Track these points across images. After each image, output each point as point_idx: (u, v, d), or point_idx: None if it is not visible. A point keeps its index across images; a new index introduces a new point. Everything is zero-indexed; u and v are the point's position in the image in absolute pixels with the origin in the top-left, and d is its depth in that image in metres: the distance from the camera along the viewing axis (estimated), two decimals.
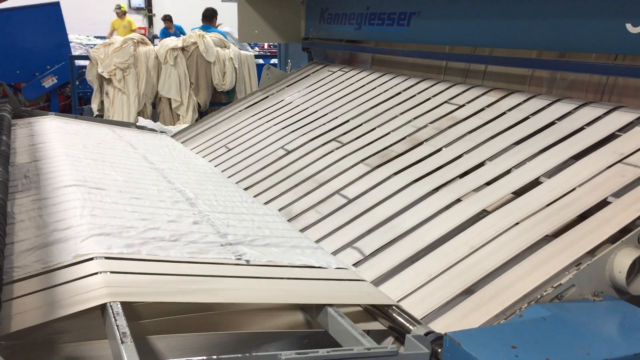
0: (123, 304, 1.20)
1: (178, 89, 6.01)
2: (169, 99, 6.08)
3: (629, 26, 1.96)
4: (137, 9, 13.91)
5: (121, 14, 11.70)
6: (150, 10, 14.02)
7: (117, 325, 1.11)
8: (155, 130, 3.93)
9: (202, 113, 6.17)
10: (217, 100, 6.35)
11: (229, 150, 3.10)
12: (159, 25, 13.96)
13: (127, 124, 3.96)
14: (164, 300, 1.28)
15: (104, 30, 11.72)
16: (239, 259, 1.64)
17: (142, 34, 7.40)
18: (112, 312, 1.16)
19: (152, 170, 2.54)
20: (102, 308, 1.20)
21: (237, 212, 2.13)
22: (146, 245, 1.61)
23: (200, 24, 7.55)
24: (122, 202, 1.96)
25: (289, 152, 2.73)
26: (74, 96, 6.91)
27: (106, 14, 12.23)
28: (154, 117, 6.05)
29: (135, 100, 5.88)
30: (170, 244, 1.67)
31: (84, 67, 6.51)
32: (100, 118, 5.77)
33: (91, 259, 1.44)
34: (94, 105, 6.22)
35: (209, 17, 7.60)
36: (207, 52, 6.02)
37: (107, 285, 1.27)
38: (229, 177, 2.74)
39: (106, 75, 5.86)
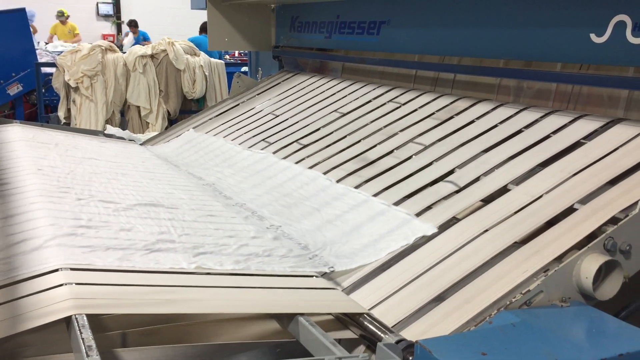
0: (89, 316, 1.17)
1: (147, 97, 5.95)
2: (138, 107, 6.01)
3: (592, 36, 2.00)
4: (105, 16, 13.73)
5: (64, 20, 11.59)
6: (118, 18, 13.86)
7: (83, 339, 1.08)
8: (124, 139, 3.87)
9: (172, 121, 6.11)
10: (187, 108, 6.30)
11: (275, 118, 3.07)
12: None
13: (94, 132, 3.90)
14: (131, 312, 1.26)
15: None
16: (332, 270, 1.71)
17: (110, 42, 7.31)
18: (78, 324, 1.13)
19: (204, 186, 2.59)
20: (68, 321, 1.17)
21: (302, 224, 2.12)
22: (249, 261, 1.69)
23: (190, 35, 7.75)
24: (202, 220, 2.02)
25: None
26: (40, 104, 6.78)
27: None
28: (123, 125, 5.97)
29: (103, 108, 5.79)
30: (268, 259, 1.74)
31: (51, 74, 6.39)
32: (67, 126, 5.66)
33: (56, 270, 1.41)
34: (61, 113, 6.11)
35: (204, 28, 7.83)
36: (177, 59, 5.98)
37: (72, 297, 1.24)
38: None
39: (73, 84, 5.77)
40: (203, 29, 8.36)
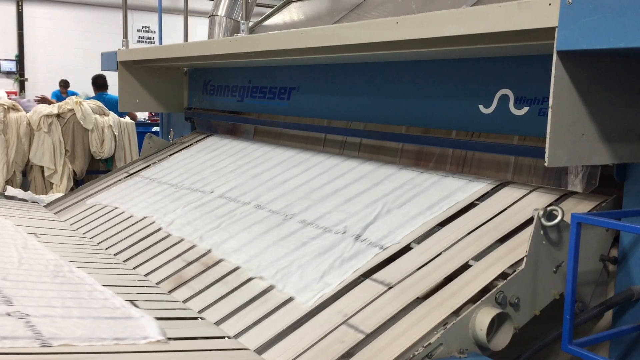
0: None
1: (52, 157, 5.75)
2: (42, 167, 5.78)
3: (481, 107, 2.21)
4: (8, 73, 13.24)
5: None
6: (22, 75, 13.40)
7: None
8: (26, 200, 3.73)
9: (79, 181, 5.92)
10: (95, 168, 6.12)
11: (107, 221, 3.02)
12: (30, 91, 13.38)
13: None
14: None
15: None
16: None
17: (13, 100, 7.04)
18: None
19: None
20: None
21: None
22: None
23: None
24: None
25: (170, 224, 2.72)
26: None
27: None
28: (24, 186, 5.71)
29: (3, 168, 5.53)
30: None
31: None
32: None
33: None
34: None
35: (101, 85, 7.60)
36: (85, 119, 5.85)
37: None
38: (106, 248, 2.66)
39: None
40: (101, 85, 7.65)
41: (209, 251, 2.33)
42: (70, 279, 2.12)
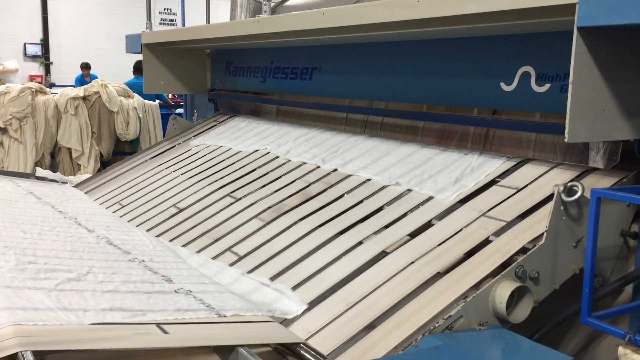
0: (35, 353, 1.20)
1: (79, 139, 5.87)
2: (69, 149, 5.91)
3: (503, 85, 2.22)
4: (33, 57, 13.43)
5: None
6: (47, 58, 13.57)
7: None
8: (57, 181, 3.84)
9: (105, 163, 6.05)
10: (120, 150, 6.25)
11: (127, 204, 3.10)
12: (56, 74, 13.56)
13: (26, 175, 3.85)
14: (76, 348, 1.29)
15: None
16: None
17: (39, 82, 7.18)
18: None
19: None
20: (14, 358, 1.20)
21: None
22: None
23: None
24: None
25: (197, 201, 2.78)
26: None
27: None
28: (53, 168, 5.85)
29: (32, 150, 5.67)
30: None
31: None
32: None
33: None
34: None
35: (141, 69, 7.87)
36: (110, 101, 5.95)
37: (17, 335, 1.27)
38: (137, 226, 2.74)
39: (1, 125, 5.63)
40: (137, 69, 8.11)
41: (335, 170, 2.53)
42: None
